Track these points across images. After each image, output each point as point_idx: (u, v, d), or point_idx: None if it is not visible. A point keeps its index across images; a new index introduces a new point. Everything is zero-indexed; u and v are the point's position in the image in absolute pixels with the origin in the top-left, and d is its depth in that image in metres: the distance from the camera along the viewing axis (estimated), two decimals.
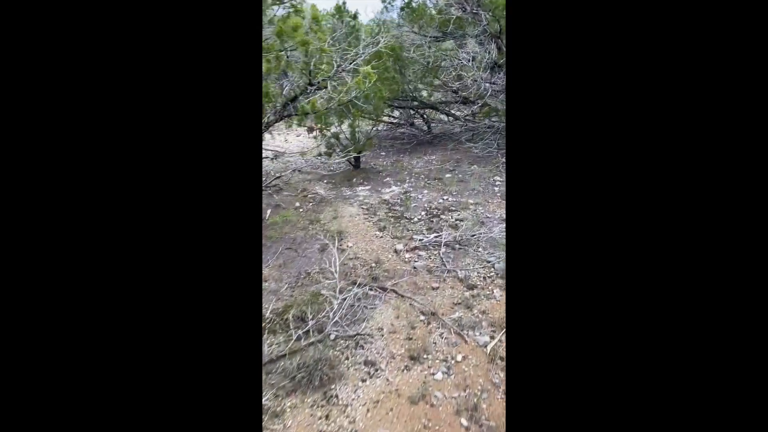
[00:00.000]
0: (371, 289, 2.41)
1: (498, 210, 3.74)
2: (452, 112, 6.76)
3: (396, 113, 7.16)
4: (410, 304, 2.28)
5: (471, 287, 2.45)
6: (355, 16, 4.74)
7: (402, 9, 6.64)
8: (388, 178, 4.98)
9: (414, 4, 6.47)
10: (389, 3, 6.75)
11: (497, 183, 4.50)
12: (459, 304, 2.29)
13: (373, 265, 2.78)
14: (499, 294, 2.36)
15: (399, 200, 4.16)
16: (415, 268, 2.72)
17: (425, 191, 4.38)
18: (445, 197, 4.15)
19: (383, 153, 6.55)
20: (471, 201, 3.98)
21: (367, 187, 4.70)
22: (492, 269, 2.64)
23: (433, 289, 2.45)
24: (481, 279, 2.54)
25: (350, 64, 3.68)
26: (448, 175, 4.88)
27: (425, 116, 6.99)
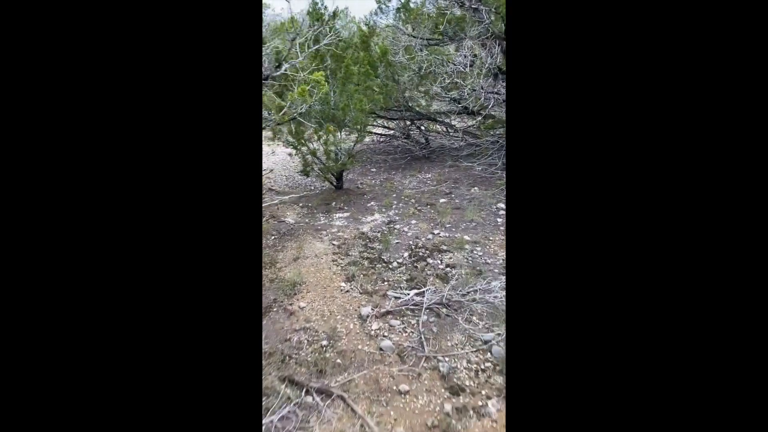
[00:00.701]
0: (308, 393, 1.66)
1: (500, 251, 2.98)
2: (452, 123, 6.03)
3: (392, 124, 6.46)
4: (361, 426, 1.52)
5: (456, 391, 1.69)
6: (335, 15, 4.05)
7: (398, 10, 5.95)
8: (372, 203, 4.25)
9: (412, 5, 5.78)
10: (383, 3, 6.08)
11: (501, 212, 3.74)
12: (435, 427, 1.53)
13: (325, 343, 2.03)
14: (497, 406, 1.60)
15: (380, 233, 3.42)
16: (381, 349, 1.97)
17: (413, 221, 3.64)
18: (436, 231, 3.40)
19: (373, 169, 5.83)
20: (467, 238, 3.22)
21: (346, 214, 3.97)
22: (488, 355, 1.88)
23: (401, 393, 1.69)
24: (472, 375, 1.78)
25: (277, 68, 2.97)
26: (442, 200, 4.13)
27: (422, 128, 6.27)
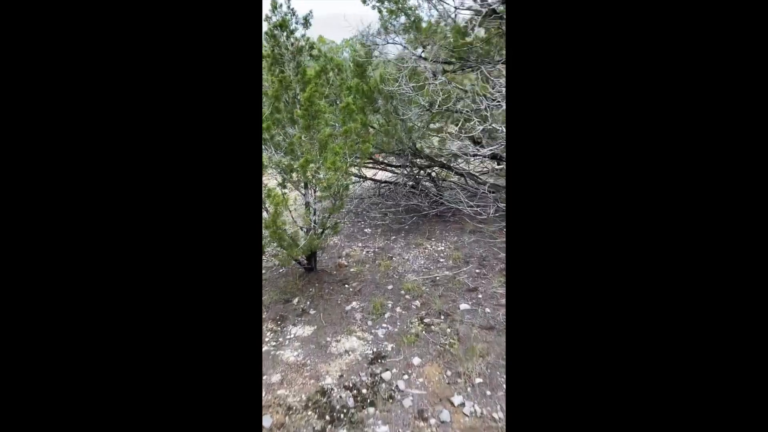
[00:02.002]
0: None
1: None
2: (473, 172, 4.58)
3: (397, 165, 5.06)
4: None
5: None
6: (306, 23, 2.73)
7: (406, 30, 4.66)
8: (354, 302, 2.75)
9: (424, 24, 4.49)
10: (389, 21, 4.80)
11: None
12: None
13: None
14: None
15: (354, 397, 1.90)
16: None
17: (415, 361, 2.11)
18: (456, 396, 1.85)
19: (367, 230, 4.37)
20: None
21: (309, 330, 2.46)
22: None
23: None
24: None
25: None
26: (464, 307, 2.61)
27: (433, 175, 4.84)
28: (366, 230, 4.39)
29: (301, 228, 2.90)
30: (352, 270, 3.29)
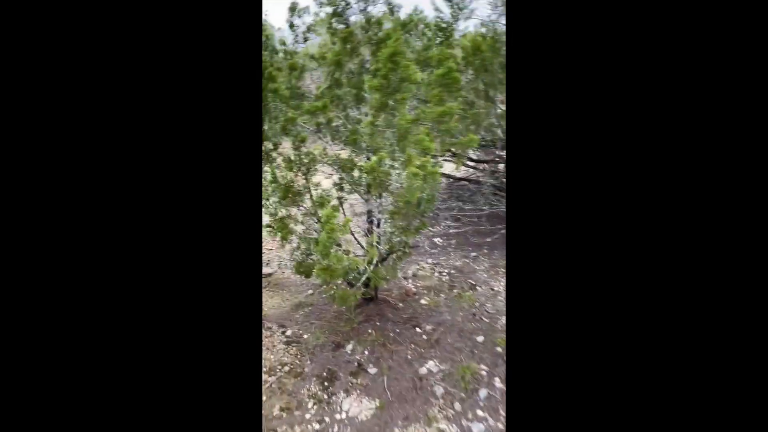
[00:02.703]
0: None
1: None
2: None
3: (479, 163, 4.08)
4: None
5: None
6: None
7: None
8: (430, 362, 1.93)
9: None
10: None
11: None
12: None
13: None
14: None
15: None
16: None
17: None
18: None
19: (438, 240, 3.51)
20: None
21: (365, 410, 1.69)
22: None
23: None
24: None
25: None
26: None
27: None
28: (436, 240, 3.52)
29: (362, 249, 2.11)
30: (423, 303, 2.46)
